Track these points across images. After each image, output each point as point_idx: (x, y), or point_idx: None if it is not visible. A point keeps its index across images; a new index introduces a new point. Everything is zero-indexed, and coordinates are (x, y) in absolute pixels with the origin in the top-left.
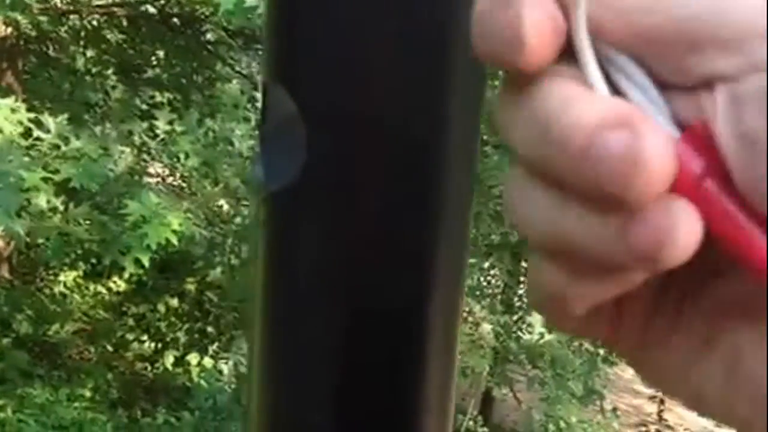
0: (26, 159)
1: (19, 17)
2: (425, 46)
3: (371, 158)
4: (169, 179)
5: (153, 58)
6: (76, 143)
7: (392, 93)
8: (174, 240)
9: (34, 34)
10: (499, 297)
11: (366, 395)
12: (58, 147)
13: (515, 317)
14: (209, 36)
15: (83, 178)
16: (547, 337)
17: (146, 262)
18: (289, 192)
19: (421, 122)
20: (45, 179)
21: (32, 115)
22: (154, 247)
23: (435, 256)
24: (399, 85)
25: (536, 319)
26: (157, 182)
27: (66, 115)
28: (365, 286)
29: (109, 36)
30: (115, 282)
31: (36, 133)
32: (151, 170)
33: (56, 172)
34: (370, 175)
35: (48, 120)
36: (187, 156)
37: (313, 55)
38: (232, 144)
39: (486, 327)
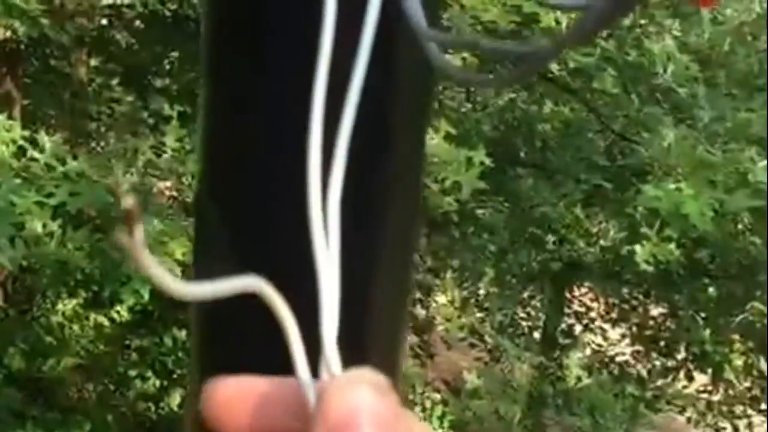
0: (18, 181)
1: (17, 23)
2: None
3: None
4: (179, 197)
5: (165, 62)
6: (73, 164)
7: None
8: (177, 271)
9: (35, 36)
10: (538, 332)
11: None
12: (53, 168)
13: (554, 355)
14: None
15: (81, 201)
16: (585, 380)
17: (146, 295)
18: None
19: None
20: (39, 203)
21: (27, 133)
22: None
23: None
24: None
25: (573, 360)
26: (163, 203)
27: (62, 134)
28: None
29: (117, 38)
30: (117, 312)
31: (31, 152)
32: (160, 184)
33: (51, 195)
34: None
35: (44, 139)
36: (194, 177)
37: (242, 173)
38: None
39: (519, 367)
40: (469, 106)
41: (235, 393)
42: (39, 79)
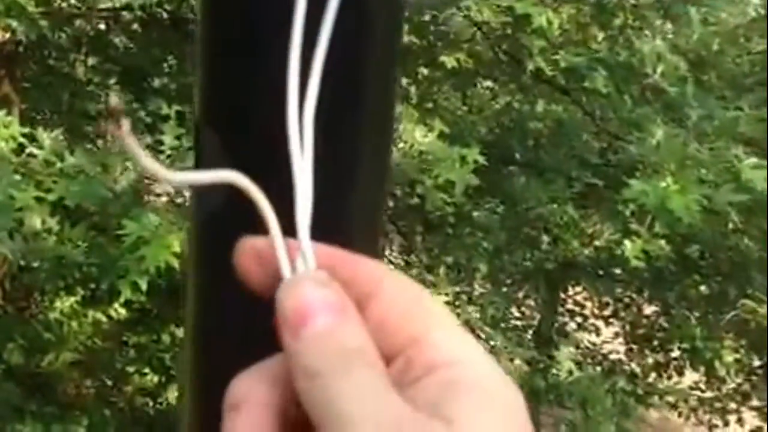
0: (18, 177)
1: (14, 24)
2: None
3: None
4: (179, 199)
5: (165, 65)
6: (71, 159)
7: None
8: (175, 263)
9: (34, 38)
10: (531, 330)
11: None
12: (53, 164)
13: (547, 352)
14: None
15: (79, 197)
16: (577, 374)
17: (144, 287)
18: (215, 218)
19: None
20: (38, 198)
21: (26, 130)
22: (152, 270)
23: None
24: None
25: (564, 354)
26: (164, 202)
27: (61, 130)
28: None
29: (116, 41)
30: (115, 309)
31: (30, 149)
32: (158, 189)
33: (50, 191)
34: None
35: (42, 136)
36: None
37: (238, 99)
38: None
39: (509, 362)
40: (465, 108)
41: (259, 248)
42: (37, 80)
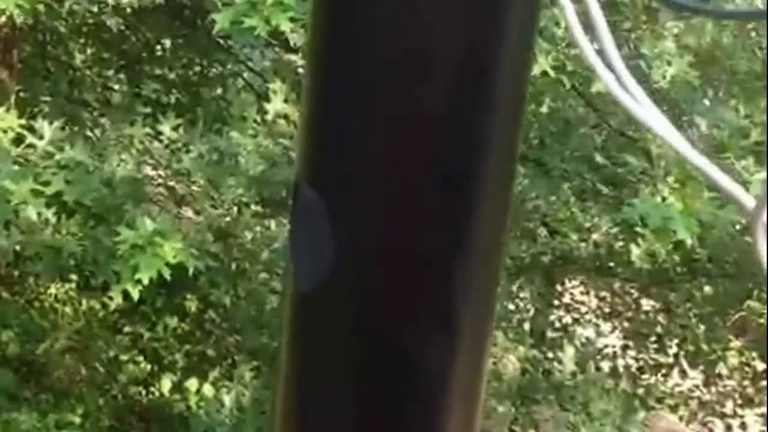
0: (15, 168)
1: (11, 7)
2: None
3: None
4: (170, 183)
5: (158, 47)
6: (69, 152)
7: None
8: (167, 274)
9: (30, 23)
10: (527, 325)
11: None
12: (50, 156)
13: (544, 349)
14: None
15: (77, 191)
16: (580, 376)
17: (135, 295)
18: (319, 289)
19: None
20: (35, 192)
21: (23, 122)
22: (145, 281)
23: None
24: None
25: (567, 355)
26: (158, 191)
27: (60, 122)
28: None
29: (110, 24)
30: (110, 297)
31: (28, 140)
32: (151, 173)
33: (47, 184)
34: (396, 271)
35: (42, 126)
36: (190, 173)
37: (341, 157)
38: (237, 162)
39: (511, 360)
40: None
41: None
42: (34, 66)
